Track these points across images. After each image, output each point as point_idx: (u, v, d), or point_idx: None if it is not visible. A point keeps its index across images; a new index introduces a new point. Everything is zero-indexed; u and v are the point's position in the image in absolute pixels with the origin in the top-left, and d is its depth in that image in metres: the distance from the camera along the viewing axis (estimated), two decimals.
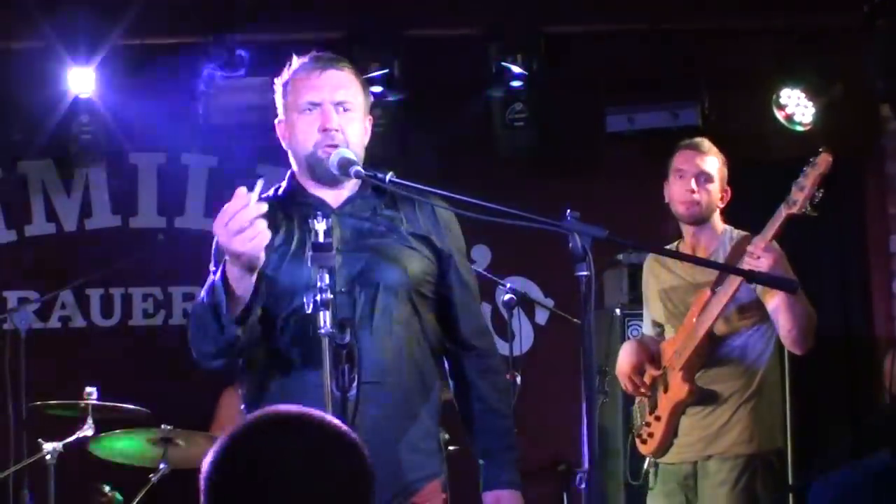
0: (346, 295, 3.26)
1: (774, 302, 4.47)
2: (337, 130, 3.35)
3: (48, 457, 5.33)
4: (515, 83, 6.67)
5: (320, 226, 3.13)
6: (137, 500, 5.49)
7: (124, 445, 5.53)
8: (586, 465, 2.86)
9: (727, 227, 4.74)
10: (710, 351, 4.60)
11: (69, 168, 7.00)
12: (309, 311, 3.10)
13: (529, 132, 6.77)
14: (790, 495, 5.42)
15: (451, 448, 4.93)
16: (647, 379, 4.75)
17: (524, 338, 6.50)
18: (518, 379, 5.57)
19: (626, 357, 4.81)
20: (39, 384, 6.03)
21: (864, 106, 6.73)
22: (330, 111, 3.36)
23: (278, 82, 3.47)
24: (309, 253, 3.12)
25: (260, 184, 3.11)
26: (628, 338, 5.77)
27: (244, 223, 3.04)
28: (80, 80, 6.48)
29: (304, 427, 1.99)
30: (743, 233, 4.67)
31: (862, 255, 6.95)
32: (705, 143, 4.78)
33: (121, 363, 6.76)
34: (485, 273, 5.71)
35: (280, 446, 1.95)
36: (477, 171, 6.64)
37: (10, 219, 7.08)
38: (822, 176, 4.29)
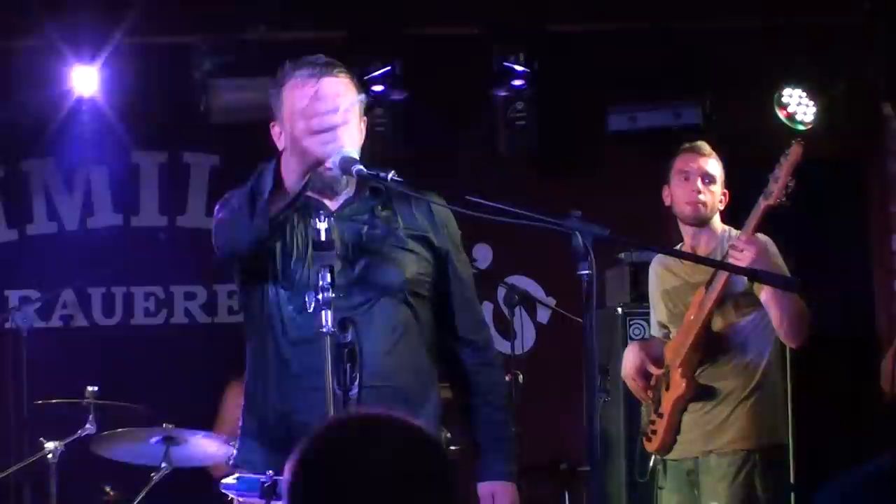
0: (344, 299, 3.25)
1: (765, 295, 4.52)
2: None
3: (50, 456, 5.33)
4: (517, 82, 6.68)
5: (322, 225, 3.13)
6: (139, 498, 5.49)
7: (126, 444, 5.53)
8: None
9: (726, 227, 4.77)
10: (709, 347, 4.62)
11: (71, 167, 7.00)
12: (311, 309, 3.10)
13: (531, 131, 6.77)
14: (792, 494, 5.40)
15: (451, 448, 4.92)
16: (651, 381, 4.76)
17: (526, 337, 6.48)
18: (520, 378, 5.56)
19: (630, 359, 4.83)
20: (41, 383, 6.03)
21: (866, 105, 6.73)
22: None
23: (273, 87, 3.40)
24: (311, 252, 3.12)
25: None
26: (630, 337, 5.77)
27: (327, 126, 3.05)
28: (83, 79, 6.49)
29: (389, 429, 1.97)
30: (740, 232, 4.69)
31: (863, 254, 6.95)
32: (706, 146, 4.82)
33: (122, 362, 6.74)
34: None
35: (364, 448, 1.91)
36: (479, 170, 6.64)
37: (12, 217, 7.07)
38: (794, 166, 4.39)
